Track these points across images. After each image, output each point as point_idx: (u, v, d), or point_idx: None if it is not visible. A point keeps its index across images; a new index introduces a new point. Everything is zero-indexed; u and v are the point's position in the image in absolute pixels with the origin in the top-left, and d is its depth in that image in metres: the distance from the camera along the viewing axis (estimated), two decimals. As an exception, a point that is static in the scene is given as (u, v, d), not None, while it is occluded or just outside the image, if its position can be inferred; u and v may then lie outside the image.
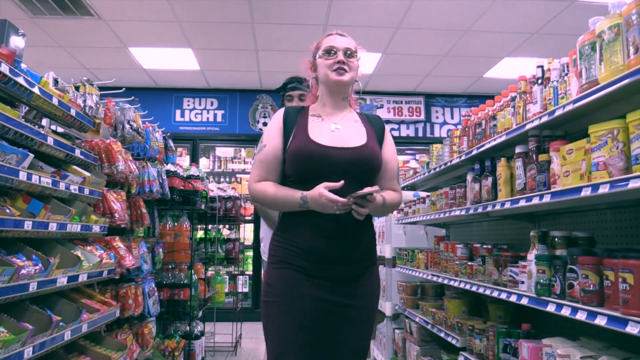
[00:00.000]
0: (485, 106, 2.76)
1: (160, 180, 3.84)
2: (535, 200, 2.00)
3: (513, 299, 2.22)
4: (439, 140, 8.02)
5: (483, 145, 2.60)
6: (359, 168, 1.85)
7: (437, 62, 6.53)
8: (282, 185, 1.89)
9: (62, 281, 1.99)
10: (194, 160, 7.45)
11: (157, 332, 3.72)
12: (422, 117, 7.77)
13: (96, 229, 2.42)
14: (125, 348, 2.54)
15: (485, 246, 2.85)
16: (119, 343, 2.55)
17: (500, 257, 2.43)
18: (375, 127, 2.03)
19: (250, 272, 7.53)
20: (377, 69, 6.80)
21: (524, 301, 2.12)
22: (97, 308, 2.32)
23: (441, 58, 6.39)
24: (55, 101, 2.18)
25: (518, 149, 2.25)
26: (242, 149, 7.94)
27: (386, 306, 4.32)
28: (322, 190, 1.73)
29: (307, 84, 2.89)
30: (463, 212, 2.88)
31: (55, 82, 2.66)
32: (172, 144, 4.27)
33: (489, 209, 2.49)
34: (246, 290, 7.48)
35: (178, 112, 7.60)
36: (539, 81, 2.08)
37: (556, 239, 2.10)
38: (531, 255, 2.10)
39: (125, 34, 5.78)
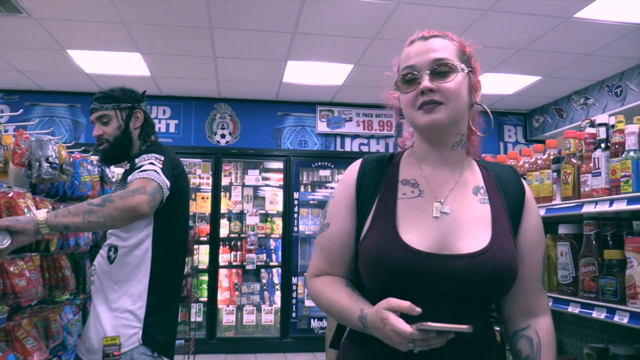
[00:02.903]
0: (502, 156, 2.21)
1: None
2: (599, 314, 1.46)
3: None
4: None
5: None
6: (479, 290, 1.10)
7: (414, 75, 6.01)
8: (357, 285, 1.22)
9: None
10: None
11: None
12: (394, 132, 7.25)
13: (-15, 328, 1.74)
14: None
15: (497, 328, 2.31)
16: None
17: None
18: (507, 194, 1.21)
19: (205, 299, 6.83)
20: (347, 81, 6.23)
21: None
22: None
23: (418, 72, 5.87)
24: None
25: (563, 229, 1.70)
26: (198, 163, 7.22)
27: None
28: (385, 314, 1.02)
29: (112, 96, 2.16)
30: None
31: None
32: (109, 173, 3.55)
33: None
34: (200, 319, 6.78)
35: (125, 121, 6.80)
36: (603, 145, 1.54)
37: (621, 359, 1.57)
38: (587, 381, 1.57)
39: (62, 35, 4.98)
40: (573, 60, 5.38)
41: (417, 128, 1.21)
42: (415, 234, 1.13)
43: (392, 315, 1.00)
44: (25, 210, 2.07)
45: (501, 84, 6.20)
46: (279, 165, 7.02)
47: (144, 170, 1.92)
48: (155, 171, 1.93)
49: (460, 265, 1.09)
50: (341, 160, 7.02)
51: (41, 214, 1.67)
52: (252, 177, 7.01)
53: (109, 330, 1.90)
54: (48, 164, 2.47)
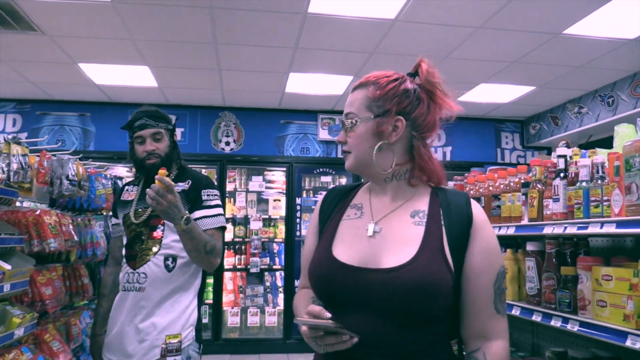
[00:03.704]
0: (482, 177, 2.43)
1: (107, 232, 3.38)
2: (556, 323, 1.67)
3: None
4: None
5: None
6: (397, 303, 1.15)
7: (412, 85, 6.22)
8: None
9: None
10: (151, 181, 6.92)
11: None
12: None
13: (20, 333, 1.96)
14: None
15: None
16: None
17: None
18: (451, 218, 1.24)
19: (211, 301, 7.06)
20: (348, 90, 6.44)
21: None
22: None
23: (416, 82, 6.07)
24: (-39, 186, 1.72)
25: (530, 247, 1.92)
26: (203, 170, 7.44)
27: None
28: (301, 318, 1.18)
29: (162, 116, 2.36)
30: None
31: (-28, 142, 2.18)
32: (121, 185, 3.78)
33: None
34: (206, 320, 7.01)
35: (134, 129, 7.03)
36: (561, 175, 1.75)
37: (577, 363, 1.78)
38: (547, 381, 1.78)
39: (73, 50, 5.22)
40: (565, 72, 5.58)
41: None
42: (347, 250, 1.25)
43: (305, 319, 1.16)
44: (51, 226, 2.30)
45: (497, 94, 6.40)
46: (282, 171, 7.24)
47: (216, 216, 2.27)
48: (222, 215, 2.30)
49: (376, 279, 1.17)
50: (342, 167, 7.14)
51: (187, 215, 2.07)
52: (256, 183, 7.24)
53: (171, 328, 2.15)
54: (68, 182, 2.70)
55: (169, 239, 2.21)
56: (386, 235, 1.25)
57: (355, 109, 1.32)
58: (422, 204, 1.29)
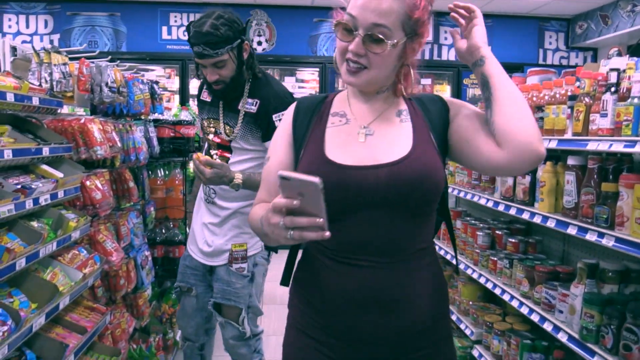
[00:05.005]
0: (526, 86, 2.35)
1: (148, 137, 3.47)
2: (591, 237, 1.70)
3: (548, 327, 2.00)
4: (449, 64, 7.51)
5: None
6: (403, 195, 1.17)
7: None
8: None
9: (40, 323, 1.72)
10: (183, 82, 6.92)
11: (152, 296, 3.55)
12: (430, 38, 7.16)
13: (76, 235, 2.11)
14: (119, 354, 2.33)
15: (510, 240, 2.58)
16: (112, 349, 2.34)
17: (534, 270, 2.18)
18: (431, 114, 1.28)
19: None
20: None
21: (562, 337, 1.89)
22: (83, 326, 2.07)
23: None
24: (10, 97, 1.76)
25: (571, 161, 1.90)
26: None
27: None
28: (268, 206, 1.08)
29: (223, 38, 2.02)
30: (488, 204, 2.58)
31: (14, 50, 2.20)
32: (158, 90, 3.81)
33: (525, 216, 2.18)
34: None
35: (165, 29, 6.91)
36: (612, 89, 1.68)
37: (609, 273, 1.83)
38: (577, 290, 1.84)
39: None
40: (622, -35, 5.13)
41: (341, 77, 1.27)
42: (341, 154, 1.23)
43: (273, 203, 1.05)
44: (96, 133, 2.37)
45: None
46: (315, 72, 7.12)
47: None
48: None
49: (383, 173, 1.17)
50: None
51: (239, 179, 2.08)
52: (289, 84, 7.17)
53: (238, 238, 2.26)
54: (108, 88, 2.73)
55: (236, 159, 2.23)
56: (378, 136, 1.25)
57: (390, 23, 1.16)
58: (402, 105, 1.30)
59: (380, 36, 1.15)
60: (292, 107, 1.37)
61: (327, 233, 1.01)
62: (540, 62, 7.18)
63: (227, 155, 2.27)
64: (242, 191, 2.15)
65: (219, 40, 2.02)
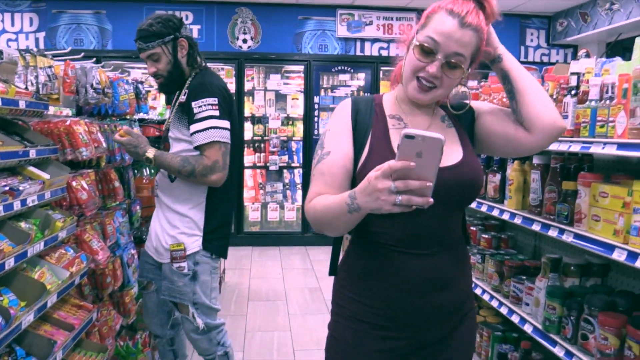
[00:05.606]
0: (498, 88, 2.44)
1: (133, 137, 3.52)
2: (553, 233, 1.80)
3: (515, 319, 2.11)
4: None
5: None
6: (462, 194, 1.35)
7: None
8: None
9: (29, 320, 1.78)
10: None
11: (138, 294, 3.61)
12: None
13: (62, 235, 2.17)
14: (106, 350, 2.40)
15: (484, 235, 2.68)
16: (99, 345, 2.41)
17: (504, 265, 2.28)
18: (461, 117, 1.44)
19: (233, 197, 7.39)
20: (368, -15, 6.18)
21: (527, 328, 2.00)
22: (71, 324, 2.14)
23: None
24: (-3, 102, 1.82)
25: (536, 160, 2.00)
26: (220, 69, 7.42)
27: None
28: (371, 172, 1.10)
29: (154, 33, 2.22)
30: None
31: (0, 54, 2.25)
32: (143, 89, 3.86)
33: (496, 213, 2.29)
34: (229, 215, 7.38)
35: (150, 26, 6.92)
36: (572, 92, 1.78)
37: (571, 267, 1.93)
38: (541, 283, 1.95)
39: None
40: (599, -35, 5.25)
41: (405, 91, 1.37)
42: None
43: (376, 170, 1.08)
44: (81, 135, 2.43)
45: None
46: (300, 69, 7.19)
47: (207, 130, 2.15)
48: (217, 127, 2.16)
49: (448, 175, 1.28)
50: (361, 65, 7.14)
51: (151, 153, 2.26)
52: (274, 81, 7.23)
53: (175, 238, 2.33)
54: (93, 90, 2.79)
55: (173, 150, 2.33)
56: None
57: (467, 53, 1.29)
58: (441, 111, 1.46)
59: (458, 63, 1.28)
60: (349, 103, 1.43)
61: (431, 199, 1.07)
62: (522, 59, 7.31)
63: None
64: (176, 187, 2.29)
65: (150, 34, 2.24)
